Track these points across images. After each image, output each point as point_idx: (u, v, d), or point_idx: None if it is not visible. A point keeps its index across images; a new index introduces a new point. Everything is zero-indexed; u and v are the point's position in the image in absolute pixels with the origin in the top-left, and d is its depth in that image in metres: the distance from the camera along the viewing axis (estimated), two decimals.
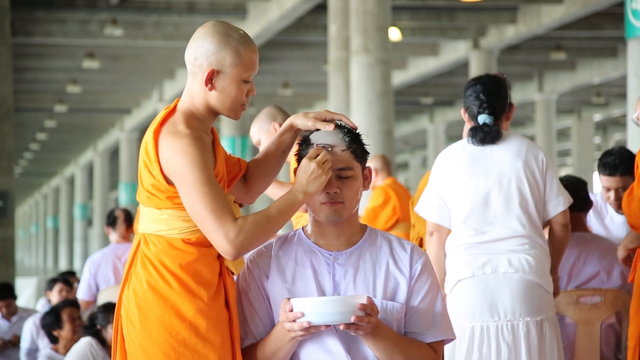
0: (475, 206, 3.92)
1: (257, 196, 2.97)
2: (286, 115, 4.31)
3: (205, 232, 2.66)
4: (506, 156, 3.94)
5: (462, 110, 4.12)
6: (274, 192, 4.13)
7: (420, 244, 4.83)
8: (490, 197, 3.91)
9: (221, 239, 2.63)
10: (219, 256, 2.77)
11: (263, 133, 4.36)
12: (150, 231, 2.75)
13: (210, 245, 2.74)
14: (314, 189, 2.71)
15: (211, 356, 2.68)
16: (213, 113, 2.79)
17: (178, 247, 2.71)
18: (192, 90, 2.77)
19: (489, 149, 3.97)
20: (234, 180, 2.88)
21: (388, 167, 7.88)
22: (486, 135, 3.96)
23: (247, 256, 2.87)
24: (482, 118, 4.00)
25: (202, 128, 2.75)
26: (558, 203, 3.97)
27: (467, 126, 4.18)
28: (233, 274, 2.81)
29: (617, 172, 4.66)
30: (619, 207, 4.77)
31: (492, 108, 4.01)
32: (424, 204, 4.08)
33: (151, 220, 2.74)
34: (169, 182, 2.69)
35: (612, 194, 4.70)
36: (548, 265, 3.92)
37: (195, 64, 2.74)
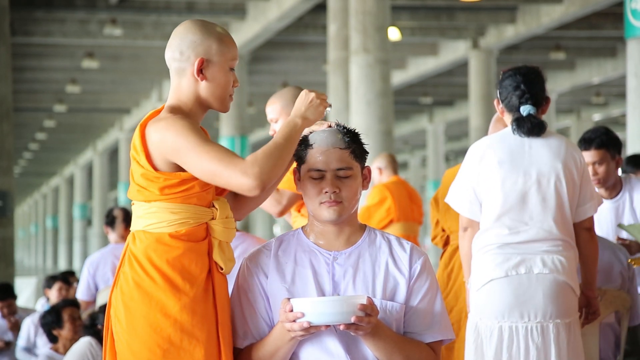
0: (512, 204, 3.81)
1: (246, 213, 2.97)
2: None
3: (223, 182, 2.64)
4: (545, 154, 3.84)
5: (496, 101, 3.97)
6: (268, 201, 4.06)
7: (447, 242, 4.76)
8: (528, 197, 3.81)
9: (239, 177, 2.61)
10: (209, 253, 2.77)
11: (284, 115, 4.19)
12: (139, 228, 2.76)
13: (200, 240, 2.75)
14: (313, 116, 2.75)
15: (197, 353, 2.68)
16: (202, 107, 2.82)
17: (165, 243, 2.72)
18: (178, 87, 2.80)
19: (527, 144, 3.85)
20: (226, 190, 2.87)
21: (393, 165, 7.85)
22: (534, 127, 3.83)
23: (246, 256, 2.87)
24: (527, 109, 3.86)
25: None
26: (590, 207, 3.89)
27: (496, 120, 4.11)
28: (222, 269, 2.80)
29: (591, 146, 4.82)
30: (598, 182, 4.89)
31: (535, 99, 3.89)
32: (457, 197, 3.95)
33: (140, 216, 2.75)
34: (156, 168, 2.71)
35: (589, 169, 4.78)
36: (576, 267, 3.85)
37: (181, 59, 2.78)
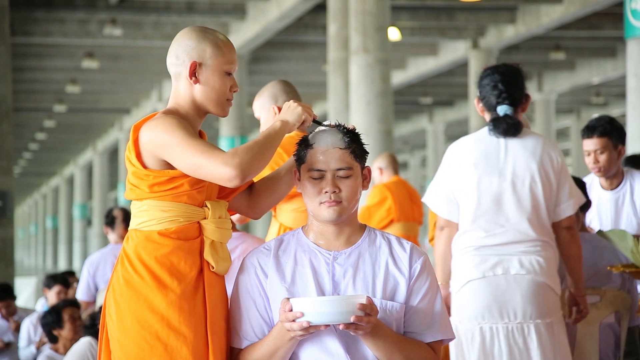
0: (487, 207, 3.81)
1: (262, 212, 3.00)
2: (290, 95, 4.23)
3: (205, 174, 2.69)
4: (521, 154, 3.83)
5: (476, 100, 3.97)
6: None
7: None
8: (503, 199, 3.81)
9: (220, 167, 2.65)
10: (200, 252, 2.79)
11: (263, 111, 4.20)
12: (132, 226, 2.82)
13: (191, 238, 2.78)
14: (291, 118, 2.83)
15: (183, 350, 2.71)
16: (199, 111, 2.86)
17: (154, 240, 2.76)
18: (176, 91, 2.86)
19: (503, 144, 3.85)
20: (233, 193, 2.92)
21: (394, 165, 7.85)
22: (509, 127, 3.83)
23: (246, 256, 2.88)
24: (503, 109, 3.86)
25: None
26: (567, 207, 3.87)
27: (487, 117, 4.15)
28: (213, 268, 2.81)
29: (593, 134, 4.81)
30: (599, 170, 4.89)
31: (512, 98, 3.88)
32: (435, 197, 3.95)
33: (134, 215, 2.82)
34: (145, 166, 2.76)
35: (591, 158, 4.85)
36: (556, 267, 3.85)
37: (177, 64, 2.84)
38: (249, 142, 2.73)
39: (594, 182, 5.05)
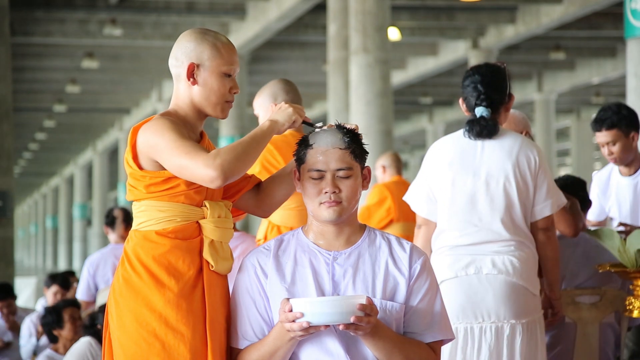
0: (460, 206, 3.81)
1: (270, 211, 3.01)
2: (290, 94, 4.23)
3: (189, 175, 2.70)
4: (497, 154, 3.82)
5: (460, 100, 3.97)
6: None
7: None
8: (476, 198, 3.79)
9: (202, 168, 2.66)
10: (200, 252, 2.80)
11: (262, 109, 4.23)
12: (133, 227, 2.85)
13: (190, 238, 2.80)
14: (281, 118, 2.84)
15: (181, 348, 2.72)
16: (199, 113, 2.87)
17: (152, 240, 2.78)
18: (177, 92, 2.88)
19: (480, 144, 3.83)
20: (238, 193, 2.94)
21: (397, 164, 7.84)
22: (483, 129, 3.82)
23: (245, 256, 2.88)
24: (480, 111, 3.85)
25: (187, 128, 2.82)
26: (544, 207, 3.84)
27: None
28: (212, 267, 2.82)
29: (602, 127, 4.82)
30: (614, 160, 4.91)
31: (489, 100, 3.86)
32: (414, 196, 3.96)
33: (134, 216, 2.85)
34: (141, 167, 2.78)
35: (605, 149, 4.87)
36: (535, 268, 3.82)
37: (177, 65, 2.86)
38: (235, 142, 2.74)
39: (614, 170, 5.07)
